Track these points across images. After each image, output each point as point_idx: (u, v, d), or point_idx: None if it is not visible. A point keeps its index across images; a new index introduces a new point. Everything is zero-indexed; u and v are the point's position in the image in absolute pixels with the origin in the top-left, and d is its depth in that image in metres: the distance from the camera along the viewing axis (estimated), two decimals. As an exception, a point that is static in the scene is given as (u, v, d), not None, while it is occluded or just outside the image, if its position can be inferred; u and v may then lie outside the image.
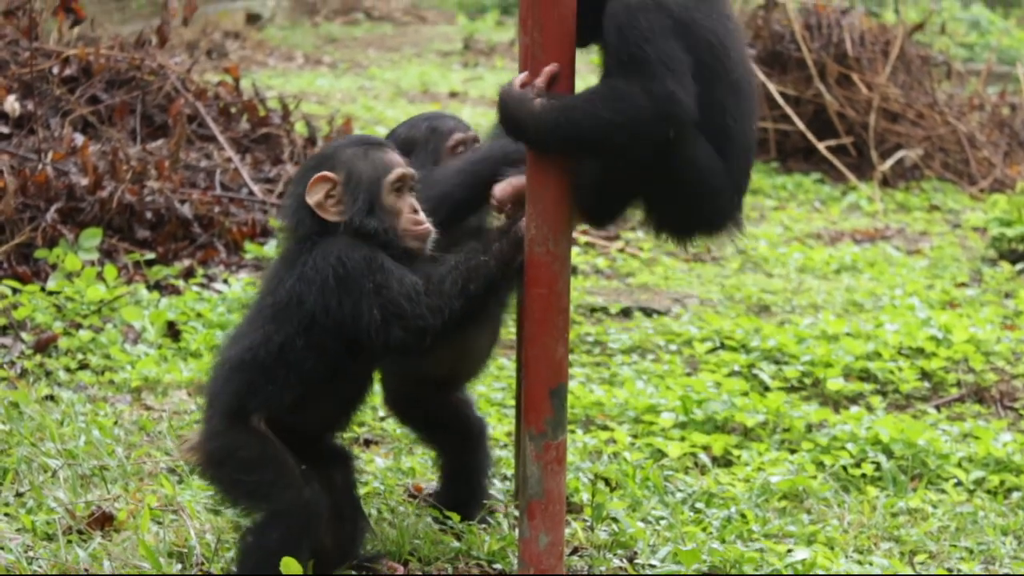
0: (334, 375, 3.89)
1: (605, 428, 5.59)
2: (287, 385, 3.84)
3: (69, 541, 4.12)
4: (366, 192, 3.91)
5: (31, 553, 4.05)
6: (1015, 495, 5.16)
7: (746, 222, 9.63)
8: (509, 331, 4.87)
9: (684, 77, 3.73)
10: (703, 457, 5.33)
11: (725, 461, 5.40)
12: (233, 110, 9.27)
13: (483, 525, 4.49)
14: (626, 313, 7.33)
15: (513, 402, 4.25)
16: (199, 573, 4.03)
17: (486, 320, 4.33)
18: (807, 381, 6.31)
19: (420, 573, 4.17)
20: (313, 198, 3.90)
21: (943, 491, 5.18)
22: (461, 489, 4.58)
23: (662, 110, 3.70)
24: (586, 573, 4.27)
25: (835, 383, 6.18)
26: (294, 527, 3.78)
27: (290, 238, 3.97)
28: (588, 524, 4.53)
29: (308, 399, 3.89)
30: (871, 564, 4.42)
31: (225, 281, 7.15)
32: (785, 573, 4.29)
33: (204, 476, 4.01)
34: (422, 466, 4.98)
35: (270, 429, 3.86)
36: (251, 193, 8.27)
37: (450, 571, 4.19)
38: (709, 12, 3.89)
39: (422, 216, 3.95)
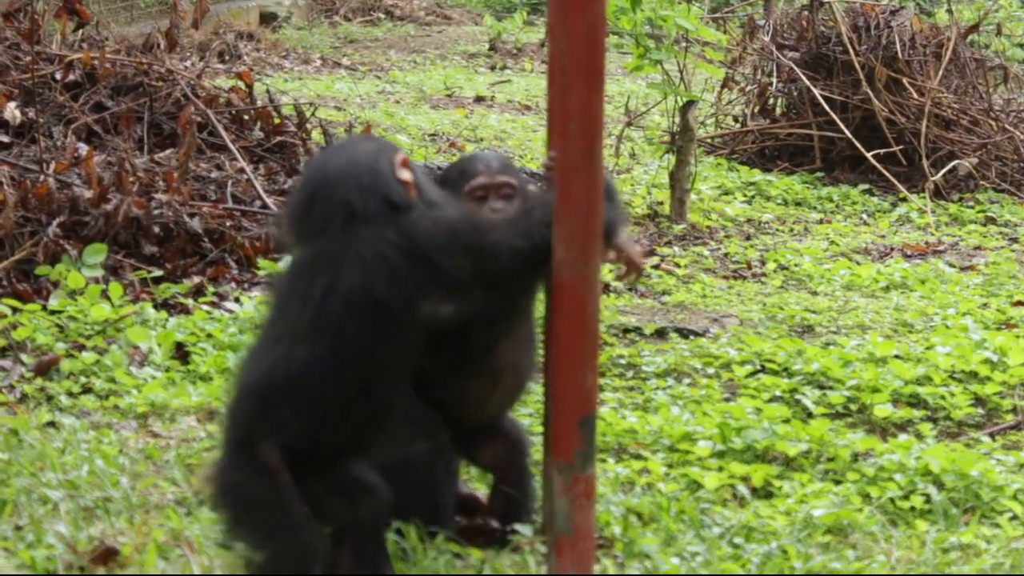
0: (366, 392, 3.88)
1: (638, 457, 5.59)
2: (304, 410, 3.84)
3: (71, 578, 4.15)
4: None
5: (30, 590, 4.08)
6: (1074, 530, 5.15)
7: (789, 236, 9.65)
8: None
9: None
10: (742, 489, 5.32)
11: (765, 493, 5.39)
12: (246, 118, 9.31)
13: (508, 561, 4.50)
14: (661, 334, 7.32)
15: (540, 429, 4.25)
16: (207, 612, 4.06)
17: (524, 342, 4.32)
18: (853, 407, 6.30)
19: (441, 613, 4.19)
20: (405, 174, 3.91)
21: (997, 525, 5.16)
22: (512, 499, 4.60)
23: None
24: (617, 613, 4.28)
25: (883, 409, 6.17)
26: (289, 572, 3.83)
27: (333, 230, 3.87)
28: (619, 561, 4.53)
29: (328, 424, 3.88)
30: (920, 604, 4.42)
31: (237, 299, 7.16)
32: (828, 614, 4.30)
33: (215, 508, 4.07)
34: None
35: (284, 459, 3.86)
36: (264, 206, 8.27)
37: (473, 611, 4.21)
38: None
39: None
